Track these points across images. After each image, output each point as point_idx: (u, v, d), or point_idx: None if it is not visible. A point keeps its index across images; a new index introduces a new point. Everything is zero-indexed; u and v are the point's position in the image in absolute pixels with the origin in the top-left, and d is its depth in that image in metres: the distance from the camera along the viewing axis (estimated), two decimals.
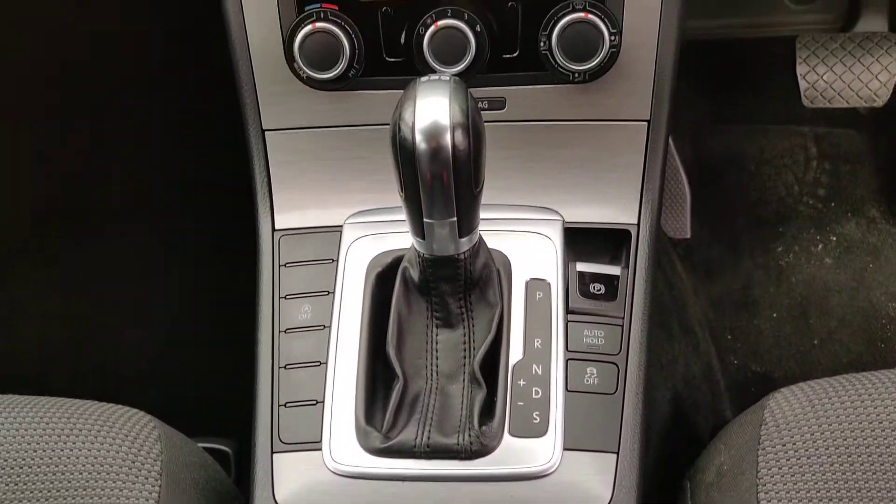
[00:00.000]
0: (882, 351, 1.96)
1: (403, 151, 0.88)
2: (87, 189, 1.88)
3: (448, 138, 0.86)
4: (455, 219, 0.94)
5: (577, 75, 1.08)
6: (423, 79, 0.91)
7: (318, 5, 1.08)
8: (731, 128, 2.15)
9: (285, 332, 1.14)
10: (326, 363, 1.10)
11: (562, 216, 1.19)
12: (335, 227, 1.19)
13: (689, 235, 2.04)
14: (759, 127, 2.14)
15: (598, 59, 1.06)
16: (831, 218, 2.09)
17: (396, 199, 0.95)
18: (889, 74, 1.96)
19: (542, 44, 1.08)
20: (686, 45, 1.16)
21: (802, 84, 2.01)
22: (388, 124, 0.90)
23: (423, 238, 0.97)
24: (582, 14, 1.05)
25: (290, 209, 1.22)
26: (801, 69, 2.01)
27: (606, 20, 1.05)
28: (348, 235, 1.18)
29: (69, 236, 1.87)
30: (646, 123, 1.15)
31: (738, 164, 2.14)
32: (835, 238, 2.07)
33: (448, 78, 0.91)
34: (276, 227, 1.21)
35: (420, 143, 0.86)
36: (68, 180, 1.85)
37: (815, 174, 2.12)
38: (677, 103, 1.16)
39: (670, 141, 1.24)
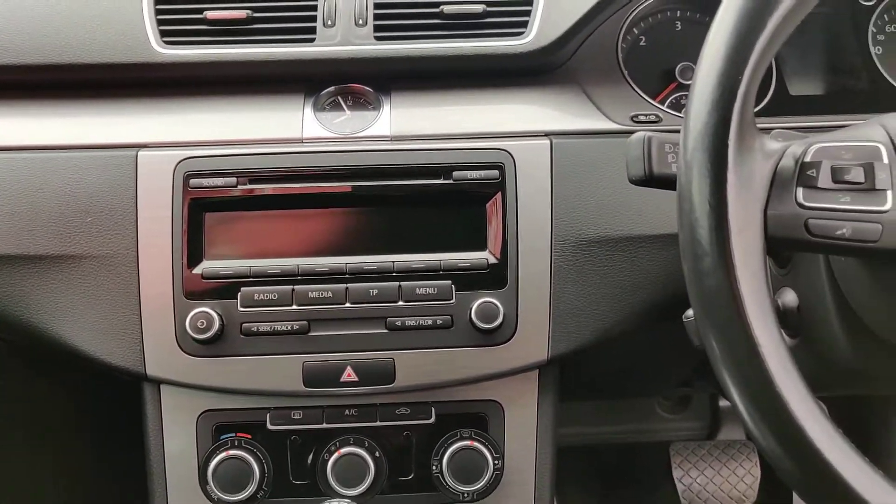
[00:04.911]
0: None
1: None
2: None
3: None
4: None
5: (465, 495, 1.21)
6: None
7: (233, 434, 1.21)
8: None
9: None
10: None
11: None
12: None
13: None
14: None
15: (484, 481, 1.19)
16: None
17: None
18: (752, 477, 2.15)
19: (433, 468, 1.21)
20: (573, 449, 1.29)
21: (679, 486, 2.18)
22: None
23: None
24: (468, 441, 1.21)
25: None
26: (676, 473, 2.19)
27: (490, 446, 1.20)
28: None
29: None
30: None
31: None
32: None
33: (346, 503, 1.01)
34: None
35: None
36: None
37: None
38: None
39: None
